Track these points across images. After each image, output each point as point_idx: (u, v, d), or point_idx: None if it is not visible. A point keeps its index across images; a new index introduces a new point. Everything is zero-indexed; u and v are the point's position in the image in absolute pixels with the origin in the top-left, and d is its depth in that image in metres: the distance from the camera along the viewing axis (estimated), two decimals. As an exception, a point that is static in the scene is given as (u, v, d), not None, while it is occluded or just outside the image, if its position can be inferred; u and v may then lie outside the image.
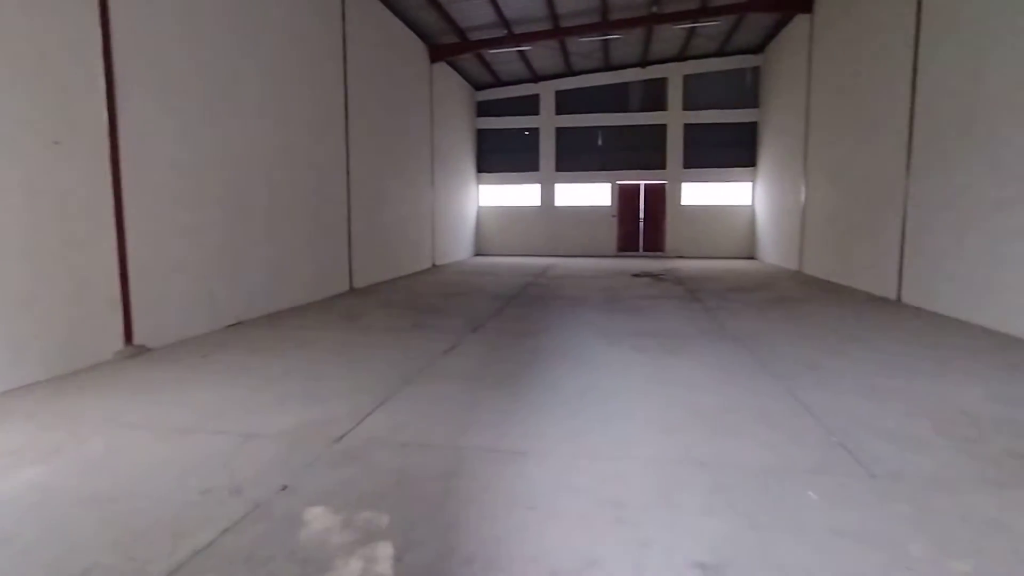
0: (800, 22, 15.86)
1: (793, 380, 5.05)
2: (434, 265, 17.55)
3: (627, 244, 22.18)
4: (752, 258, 20.84)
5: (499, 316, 8.49)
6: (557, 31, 16.40)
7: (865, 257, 11.43)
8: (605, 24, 16.16)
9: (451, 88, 19.14)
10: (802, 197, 15.42)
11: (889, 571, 2.29)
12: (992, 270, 7.55)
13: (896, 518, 2.71)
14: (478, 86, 22.00)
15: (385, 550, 2.43)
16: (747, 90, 20.71)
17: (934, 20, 9.16)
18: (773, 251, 18.36)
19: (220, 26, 7.80)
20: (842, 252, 12.65)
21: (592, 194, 22.30)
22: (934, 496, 2.93)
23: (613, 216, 22.07)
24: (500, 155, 22.61)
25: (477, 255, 22.74)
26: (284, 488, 3.02)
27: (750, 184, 21.04)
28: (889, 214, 10.43)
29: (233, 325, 7.85)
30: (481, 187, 22.85)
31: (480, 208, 22.90)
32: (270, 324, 7.96)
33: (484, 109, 22.49)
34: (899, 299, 9.91)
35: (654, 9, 15.42)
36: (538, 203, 22.59)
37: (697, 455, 3.45)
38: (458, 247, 20.37)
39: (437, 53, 16.83)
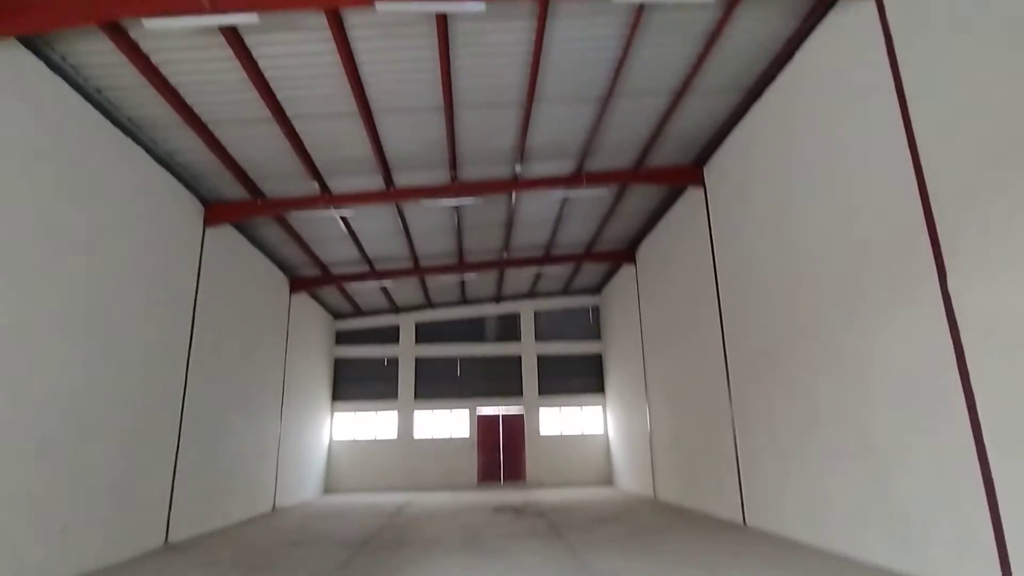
0: (627, 270, 18.62)
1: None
2: (275, 508, 15.54)
3: (488, 474, 21.58)
4: (610, 484, 21.06)
5: (347, 570, 7.42)
6: (417, 269, 17.63)
7: (710, 481, 12.02)
8: (461, 265, 17.73)
9: (310, 317, 19.15)
10: (648, 424, 16.44)
11: None
12: (814, 490, 8.22)
13: None
14: (338, 315, 22.28)
15: None
16: (590, 325, 23.04)
17: (726, 266, 11.18)
18: (629, 477, 18.77)
19: (40, 221, 7.38)
20: (690, 477, 13.23)
21: (451, 424, 22.07)
22: None
23: (473, 447, 21.72)
24: (358, 384, 22.14)
25: (327, 493, 20.68)
26: None
27: (602, 411, 22.20)
28: (723, 438, 11.34)
29: (-16, 608, 6.04)
30: (337, 415, 21.75)
31: (333, 442, 21.49)
32: (40, 602, 6.22)
33: (344, 338, 22.51)
34: (744, 522, 10.28)
35: (504, 255, 17.35)
36: (395, 435, 21.76)
37: None
38: (305, 485, 18.46)
39: (298, 284, 17.12)
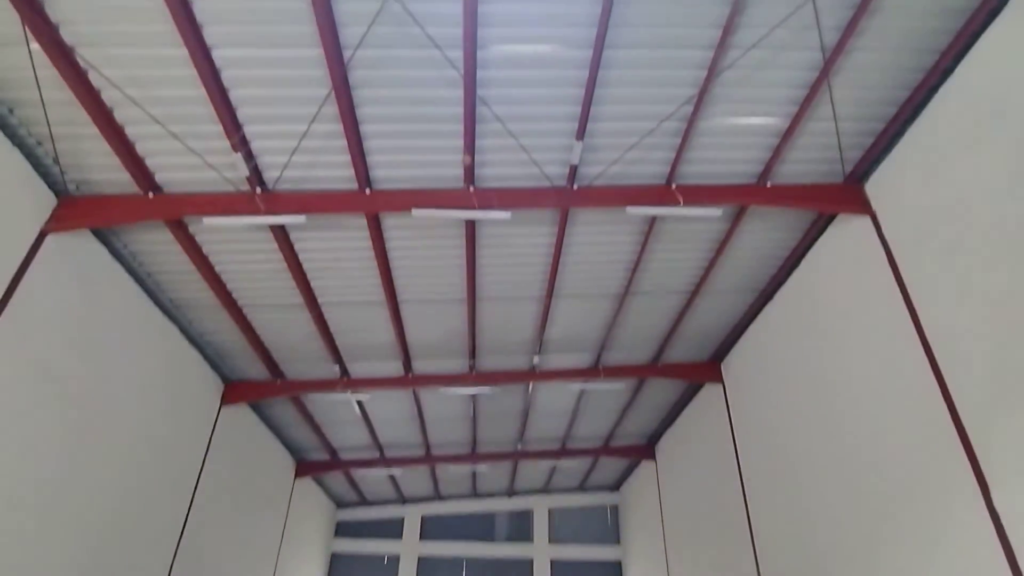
0: (647, 467, 17.74)
1: None
2: None
3: None
4: None
5: None
6: (429, 458, 17.03)
7: None
8: (474, 456, 17.13)
9: (311, 504, 18.14)
10: (676, 651, 14.38)
11: None
12: None
13: None
14: (341, 504, 21.09)
15: None
16: (608, 527, 21.34)
17: (751, 469, 10.58)
18: None
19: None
20: None
21: (453, 638, 19.53)
22: None
23: (476, 668, 18.97)
24: (353, 584, 20.15)
25: None
26: None
27: (622, 631, 19.60)
28: (765, 678, 9.79)
29: None
30: (324, 624, 19.46)
31: (318, 653, 18.98)
32: None
33: (344, 529, 21.02)
34: None
35: (519, 447, 16.80)
36: (389, 648, 19.21)
37: None
38: None
39: (304, 468, 16.52)
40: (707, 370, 12.37)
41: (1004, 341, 5.54)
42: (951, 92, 6.39)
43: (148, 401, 9.15)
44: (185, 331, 10.07)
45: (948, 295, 6.28)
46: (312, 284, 9.43)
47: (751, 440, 10.75)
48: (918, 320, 6.66)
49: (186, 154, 6.83)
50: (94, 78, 6.08)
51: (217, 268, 8.88)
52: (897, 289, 7.01)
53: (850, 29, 6.18)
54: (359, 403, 13.54)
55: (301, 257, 8.83)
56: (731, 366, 11.81)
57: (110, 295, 8.13)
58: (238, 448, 12.45)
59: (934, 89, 6.61)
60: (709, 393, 12.97)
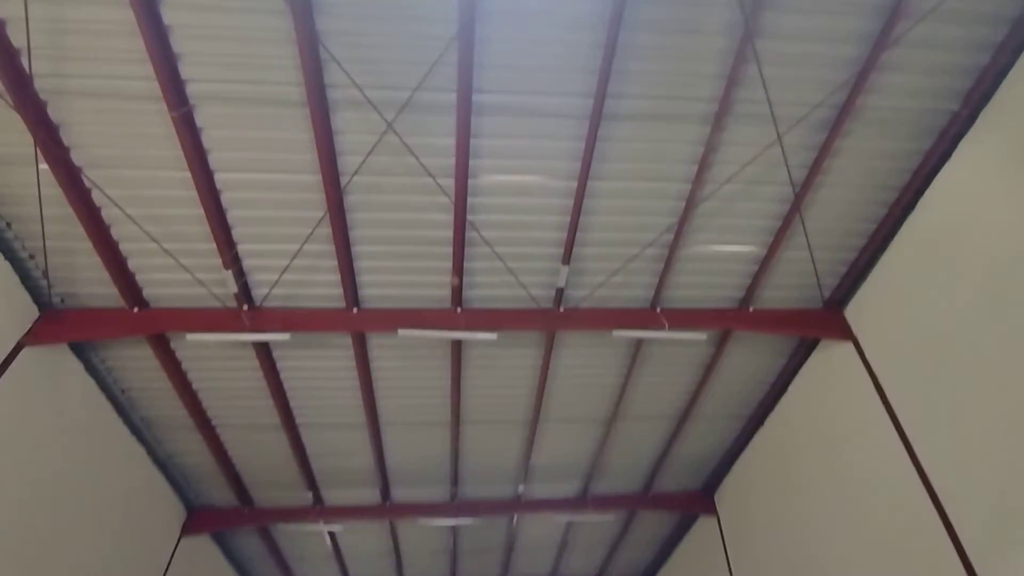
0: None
1: None
2: None
3: None
4: None
5: None
6: (403, 600, 15.58)
7: None
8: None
9: (269, 656, 16.21)
10: None
11: None
12: None
13: None
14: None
15: None
16: None
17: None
18: None
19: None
20: None
21: None
22: None
23: None
24: None
25: None
26: None
27: None
28: None
29: None
30: None
31: None
32: None
33: None
34: None
35: (502, 586, 15.49)
36: None
37: None
38: None
39: (265, 612, 14.98)
40: (700, 501, 11.82)
41: (1005, 470, 5.39)
42: (916, 223, 6.76)
43: (103, 524, 8.44)
44: (152, 452, 9.55)
45: (939, 423, 6.20)
46: (291, 404, 9.14)
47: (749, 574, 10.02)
48: (912, 450, 6.51)
49: (177, 270, 6.90)
50: (96, 196, 6.27)
51: (194, 385, 8.63)
52: (887, 417, 6.92)
53: (815, 168, 6.65)
54: (331, 535, 12.61)
55: (282, 376, 8.64)
56: (724, 497, 11.30)
57: (79, 412, 7.78)
58: (194, 588, 11.34)
59: (900, 221, 7.00)
60: (704, 526, 12.27)
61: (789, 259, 7.70)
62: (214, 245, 6.73)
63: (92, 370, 7.96)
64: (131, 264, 6.99)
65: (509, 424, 9.97)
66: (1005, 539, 5.32)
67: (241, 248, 6.95)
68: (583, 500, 11.74)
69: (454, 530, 12.86)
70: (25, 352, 6.81)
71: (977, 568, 5.56)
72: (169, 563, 10.36)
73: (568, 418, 9.94)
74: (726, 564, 10.92)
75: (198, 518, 10.99)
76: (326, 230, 6.75)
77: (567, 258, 7.24)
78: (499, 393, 9.33)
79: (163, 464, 9.89)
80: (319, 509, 11.35)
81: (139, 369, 8.22)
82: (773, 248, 7.44)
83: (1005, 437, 5.40)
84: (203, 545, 11.72)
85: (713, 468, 11.42)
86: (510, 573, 15.05)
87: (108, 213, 6.46)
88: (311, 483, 10.82)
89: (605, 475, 11.42)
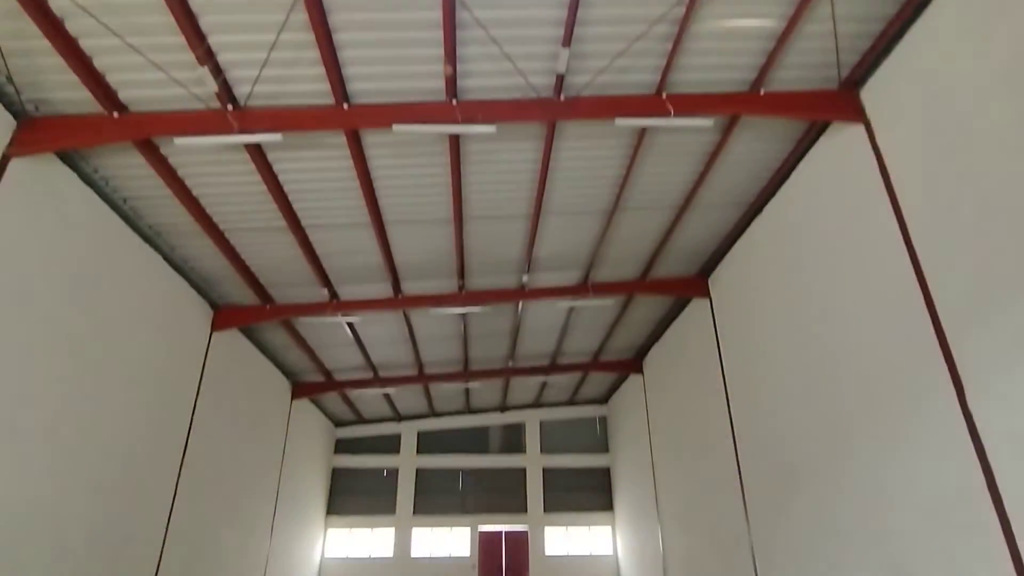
0: (634, 380, 18.32)
1: None
2: (256, 636, 14.28)
3: (489, 600, 19.96)
4: (622, 615, 19.38)
5: None
6: (422, 377, 17.41)
7: (731, 614, 11.04)
8: (466, 374, 17.53)
9: (310, 424, 18.68)
10: (660, 545, 15.41)
11: None
12: (849, 630, 7.49)
13: None
14: (339, 423, 21.74)
15: None
16: (597, 437, 22.29)
17: (735, 379, 10.94)
18: (641, 606, 17.31)
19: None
20: (708, 608, 12.18)
21: (451, 542, 20.75)
22: None
23: (474, 568, 20.27)
24: (355, 497, 21.12)
25: (314, 619, 19.08)
26: None
27: (610, 530, 20.90)
28: (741, 560, 10.54)
29: None
30: (331, 531, 20.56)
31: (325, 560, 20.15)
32: None
33: (343, 447, 21.81)
34: (773, 666, 9.30)
35: (510, 364, 17.18)
36: (391, 554, 20.41)
37: None
38: (292, 609, 17.10)
39: (300, 390, 16.87)
40: (694, 285, 12.49)
41: (990, 247, 5.56)
42: (956, -13, 6.05)
43: (135, 327, 9.12)
44: (169, 259, 9.91)
45: (937, 202, 6.23)
46: (295, 206, 9.21)
47: (736, 352, 11.02)
48: (905, 227, 6.65)
49: (149, 69, 6.44)
50: (39, -16, 5.60)
51: (195, 192, 8.62)
52: (886, 197, 6.96)
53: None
54: (350, 325, 13.63)
55: (281, 178, 8.56)
56: (718, 281, 11.91)
57: (85, 221, 7.89)
58: (232, 372, 12.61)
59: (939, -16, 6.26)
60: (696, 308, 13.16)
61: (809, 34, 7.06)
62: (182, 38, 6.18)
63: (88, 181, 7.89)
64: (97, 64, 6.49)
65: (511, 218, 10.12)
66: (978, 310, 5.69)
67: (213, 40, 6.38)
68: (583, 287, 12.42)
69: (464, 317, 13.84)
70: (14, 165, 6.68)
71: (948, 332, 6.04)
72: (205, 356, 11.39)
73: (569, 211, 10.05)
74: (715, 342, 11.93)
75: (224, 315, 11.79)
76: (302, 15, 6.13)
77: (568, 39, 6.65)
78: (500, 188, 9.31)
79: (181, 269, 10.32)
80: (336, 303, 12.09)
81: (136, 178, 8.14)
82: (793, 21, 6.76)
83: (998, 221, 5.46)
84: (234, 339, 12.77)
85: (710, 255, 11.84)
86: (517, 353, 16.58)
87: (57, 4, 5.81)
88: (325, 280, 11.38)
89: (605, 264, 11.92)
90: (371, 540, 20.64)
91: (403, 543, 20.53)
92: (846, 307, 7.71)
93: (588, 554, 20.55)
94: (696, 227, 10.84)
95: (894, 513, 6.70)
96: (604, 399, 22.26)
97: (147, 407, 9.38)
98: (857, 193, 7.52)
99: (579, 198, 9.73)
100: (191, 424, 10.79)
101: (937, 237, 6.24)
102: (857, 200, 7.52)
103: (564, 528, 20.93)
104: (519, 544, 20.74)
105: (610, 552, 20.58)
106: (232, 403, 12.65)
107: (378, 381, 17.25)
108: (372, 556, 20.37)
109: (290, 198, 9.00)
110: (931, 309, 6.24)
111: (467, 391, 20.02)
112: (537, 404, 22.36)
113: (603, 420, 22.55)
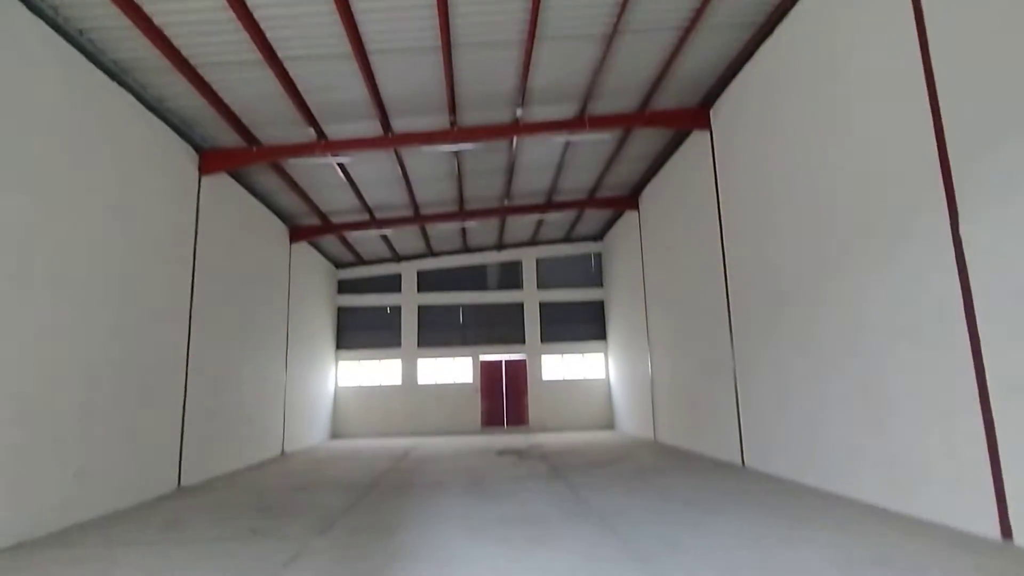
0: (630, 216, 18.41)
1: (658, 562, 4.89)
2: (284, 452, 15.93)
3: (492, 419, 22.02)
4: (611, 428, 21.49)
5: (353, 512, 7.63)
6: (418, 217, 17.45)
7: (710, 425, 12.23)
8: (462, 213, 17.53)
9: (311, 266, 19.12)
10: (649, 369, 16.61)
11: None
12: (812, 432, 8.34)
13: None
14: (340, 264, 22.25)
15: None
16: (592, 272, 22.99)
17: (730, 211, 11.03)
18: (629, 421, 19.14)
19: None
20: (690, 421, 13.46)
21: (455, 370, 22.36)
22: None
23: (476, 392, 22.07)
24: (361, 332, 22.33)
25: (334, 438, 21.18)
26: None
27: (604, 357, 22.42)
28: (723, 384, 11.46)
29: (12, 548, 6.24)
30: (341, 364, 22.05)
31: (339, 388, 21.86)
32: (65, 543, 6.44)
33: (346, 287, 22.55)
34: (743, 464, 10.51)
35: (505, 202, 17.11)
36: (399, 381, 22.09)
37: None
38: (313, 431, 18.88)
39: (298, 233, 17.00)
40: (695, 116, 12.00)
41: (1010, 67, 5.24)
42: None
43: (119, 178, 8.87)
44: (141, 97, 9.36)
45: (964, 17, 5.76)
46: (268, 35, 8.50)
47: (734, 184, 10.92)
48: (927, 44, 6.22)
49: None
50: None
51: (157, 21, 7.89)
52: (911, 9, 6.41)
53: None
54: (341, 166, 13.34)
55: (250, 4, 7.80)
56: (720, 111, 11.43)
57: (36, 54, 7.29)
58: (227, 216, 12.58)
59: None
60: (696, 141, 12.79)
61: None
62: None
63: (33, 8, 7.15)
64: None
65: (504, 45, 9.42)
66: (987, 135, 5.51)
67: None
68: (580, 120, 11.94)
69: (457, 155, 13.50)
70: (-50, -11, 6.00)
71: (952, 155, 5.93)
72: (198, 200, 11.26)
73: (565, 35, 9.32)
74: (713, 174, 11.76)
75: (210, 158, 11.45)
76: None
77: None
78: (490, 10, 8.53)
79: (156, 109, 9.80)
80: (324, 143, 11.70)
81: (89, 6, 7.39)
82: None
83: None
84: (226, 184, 12.54)
85: (712, 84, 11.22)
86: (512, 192, 16.43)
87: None
88: (311, 119, 10.89)
89: (602, 95, 11.34)
90: (380, 370, 22.22)
91: (410, 372, 22.13)
92: (851, 134, 7.48)
93: (583, 378, 22.26)
94: (700, 52, 10.13)
95: (870, 330, 7.12)
96: (599, 236, 22.56)
97: (146, 252, 9.46)
98: (880, 9, 6.91)
99: (576, 20, 8.96)
100: (194, 267, 11.00)
101: (956, 52, 5.85)
102: (877, 12, 6.93)
103: (560, 356, 22.43)
104: (518, 370, 22.38)
105: (603, 376, 22.28)
106: (232, 247, 12.79)
107: (375, 223, 17.31)
108: (382, 384, 22.07)
109: (262, 25, 8.28)
110: (938, 132, 6.05)
111: (463, 231, 20.20)
112: (533, 242, 22.72)
113: (598, 257, 23.08)
